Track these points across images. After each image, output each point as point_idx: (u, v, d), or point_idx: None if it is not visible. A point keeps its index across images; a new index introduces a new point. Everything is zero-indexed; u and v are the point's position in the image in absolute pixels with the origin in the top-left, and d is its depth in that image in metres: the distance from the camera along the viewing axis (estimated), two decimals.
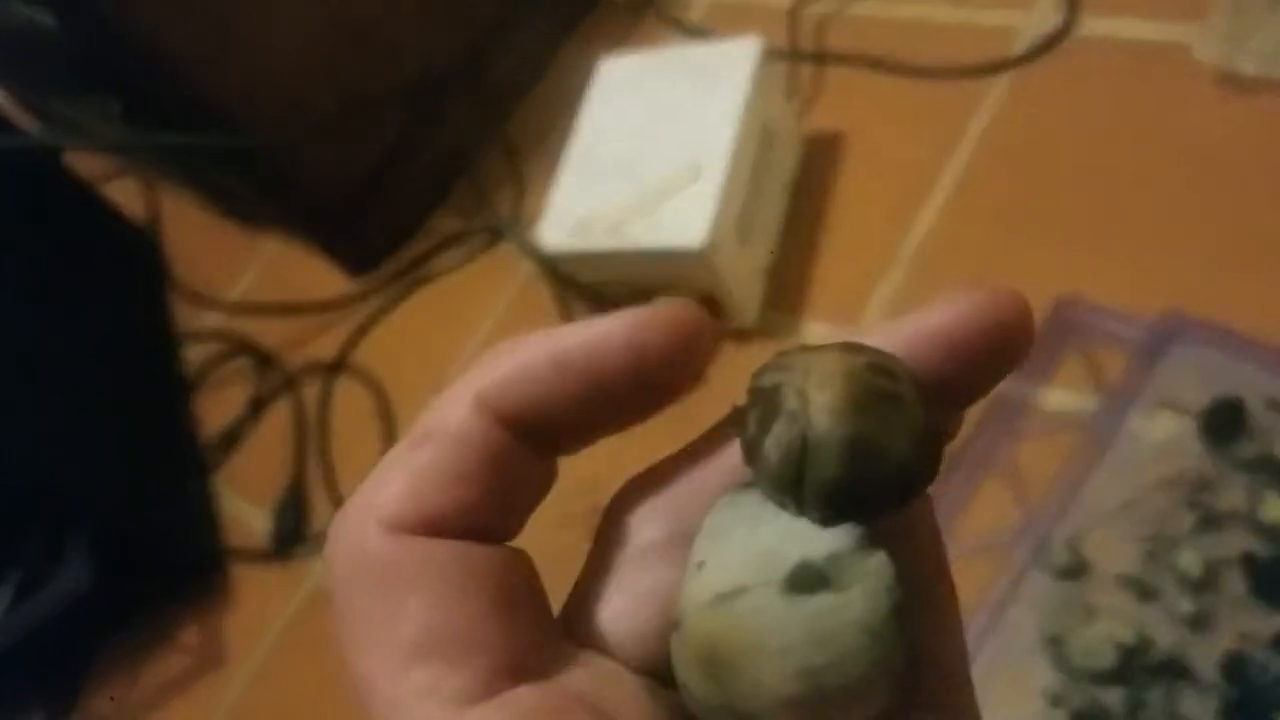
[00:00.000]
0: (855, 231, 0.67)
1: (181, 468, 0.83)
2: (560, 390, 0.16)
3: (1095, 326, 0.56)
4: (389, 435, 0.76)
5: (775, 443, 0.15)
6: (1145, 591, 0.49)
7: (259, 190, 0.84)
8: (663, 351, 0.16)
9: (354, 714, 0.57)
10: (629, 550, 0.17)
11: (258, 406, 0.84)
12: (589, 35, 0.90)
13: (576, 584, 0.18)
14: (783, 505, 0.15)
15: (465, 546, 0.15)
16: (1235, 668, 0.45)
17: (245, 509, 0.79)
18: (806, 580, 0.15)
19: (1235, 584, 0.48)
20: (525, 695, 0.15)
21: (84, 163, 1.02)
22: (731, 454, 0.17)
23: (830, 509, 0.15)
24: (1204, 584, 0.48)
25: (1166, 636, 0.47)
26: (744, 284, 0.64)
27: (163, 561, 0.77)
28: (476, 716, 0.14)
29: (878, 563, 0.15)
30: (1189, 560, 0.48)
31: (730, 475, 0.17)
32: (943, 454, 0.16)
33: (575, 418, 0.16)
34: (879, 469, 0.15)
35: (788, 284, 0.67)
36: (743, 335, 0.66)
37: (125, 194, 1.07)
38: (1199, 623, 0.47)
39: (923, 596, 0.16)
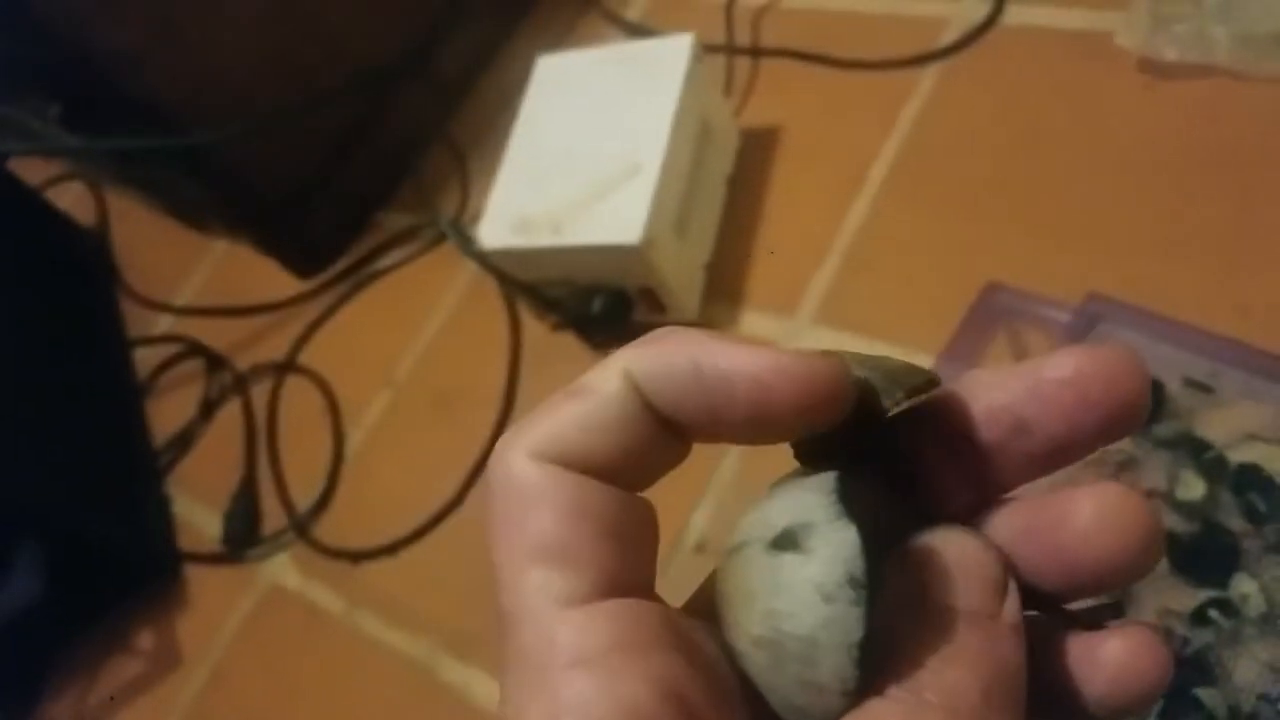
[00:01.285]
0: (792, 223, 0.68)
1: (133, 472, 0.82)
2: (692, 395, 0.18)
3: (1022, 310, 0.57)
4: (338, 433, 0.76)
5: None
6: None
7: (204, 191, 0.84)
8: (786, 401, 0.18)
9: (306, 713, 0.58)
10: None
11: (208, 409, 0.84)
12: (532, 30, 0.90)
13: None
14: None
15: (590, 481, 0.18)
16: None
17: (197, 511, 0.80)
18: (783, 541, 0.17)
19: None
20: (619, 607, 0.17)
21: (27, 167, 1.01)
22: None
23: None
24: None
25: None
26: (683, 278, 0.65)
27: (115, 566, 0.76)
28: (573, 615, 0.17)
29: (845, 537, 0.17)
30: None
31: None
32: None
33: (701, 422, 0.18)
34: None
35: (727, 276, 0.68)
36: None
37: (72, 198, 1.06)
38: (1121, 600, 0.48)
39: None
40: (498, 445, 0.18)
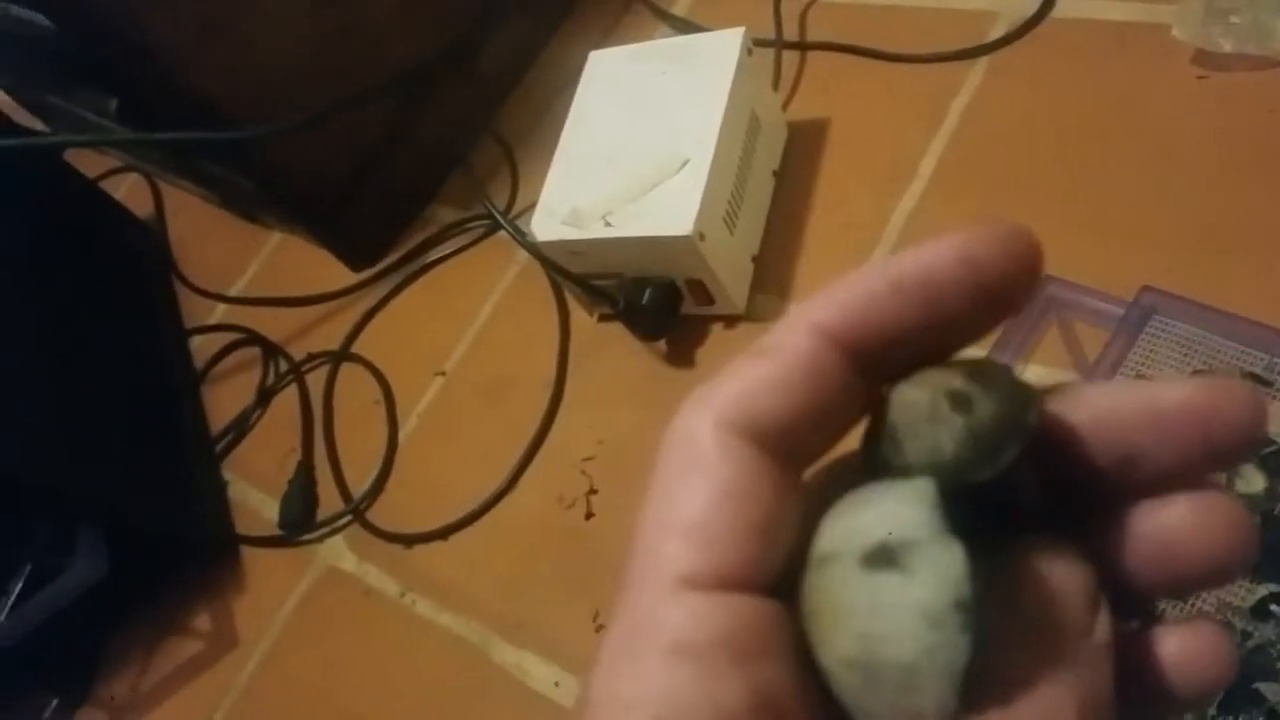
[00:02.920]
0: (841, 215, 0.68)
1: (191, 457, 0.84)
2: (901, 312, 0.17)
3: (1074, 303, 0.57)
4: (392, 420, 0.78)
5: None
6: None
7: (256, 184, 0.86)
8: (997, 263, 0.17)
9: (360, 692, 0.59)
10: None
11: (264, 396, 0.86)
12: (577, 27, 0.91)
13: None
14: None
15: (762, 462, 0.17)
16: None
17: (253, 495, 0.81)
18: (880, 558, 0.16)
19: None
20: (739, 602, 0.16)
21: (86, 159, 1.03)
22: None
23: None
24: None
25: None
26: (732, 269, 0.66)
27: (174, 549, 0.78)
28: (691, 599, 0.16)
29: (951, 555, 0.15)
30: None
31: None
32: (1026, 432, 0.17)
33: (916, 337, 0.17)
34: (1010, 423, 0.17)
35: (775, 269, 0.68)
36: (731, 319, 0.68)
37: (129, 190, 1.08)
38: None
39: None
40: (684, 405, 0.18)
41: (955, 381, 0.17)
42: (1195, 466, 0.18)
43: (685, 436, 0.17)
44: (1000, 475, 0.17)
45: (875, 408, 0.18)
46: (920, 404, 0.17)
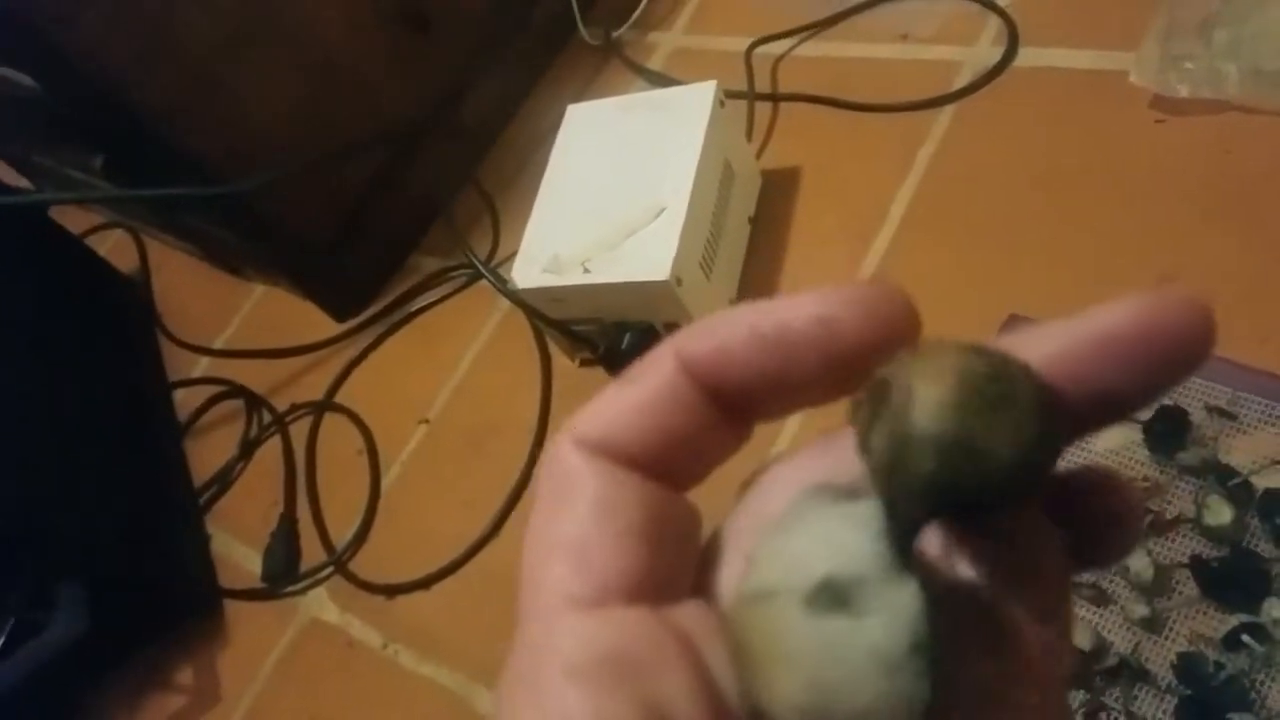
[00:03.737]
0: (815, 259, 0.70)
1: (174, 510, 0.84)
2: (757, 359, 0.17)
3: None
4: (375, 470, 0.78)
5: (879, 436, 0.15)
6: (1099, 596, 0.50)
7: (242, 238, 0.87)
8: (853, 328, 0.16)
9: None
10: (755, 520, 0.18)
11: (247, 448, 0.86)
12: (556, 81, 0.93)
13: (706, 544, 0.19)
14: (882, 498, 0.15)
15: (630, 476, 0.17)
16: (1189, 668, 0.46)
17: (236, 548, 0.81)
18: (826, 596, 0.15)
19: (1186, 586, 0.49)
20: (625, 616, 0.16)
21: (71, 215, 1.04)
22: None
23: (920, 505, 0.15)
24: (1156, 587, 0.49)
25: (1122, 640, 0.49)
26: (709, 313, 0.67)
27: (157, 603, 0.78)
28: (579, 619, 0.16)
29: (904, 595, 0.14)
30: (1140, 565, 0.49)
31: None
32: (1052, 466, 0.15)
33: (768, 388, 0.17)
34: (977, 470, 0.14)
35: None
36: None
37: (113, 245, 1.09)
38: (1153, 625, 0.48)
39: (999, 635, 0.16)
40: (556, 434, 0.18)
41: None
42: (1155, 388, 0.16)
43: (553, 461, 0.17)
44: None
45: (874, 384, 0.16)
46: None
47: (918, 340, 0.16)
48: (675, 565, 0.17)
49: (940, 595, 0.15)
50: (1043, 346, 0.16)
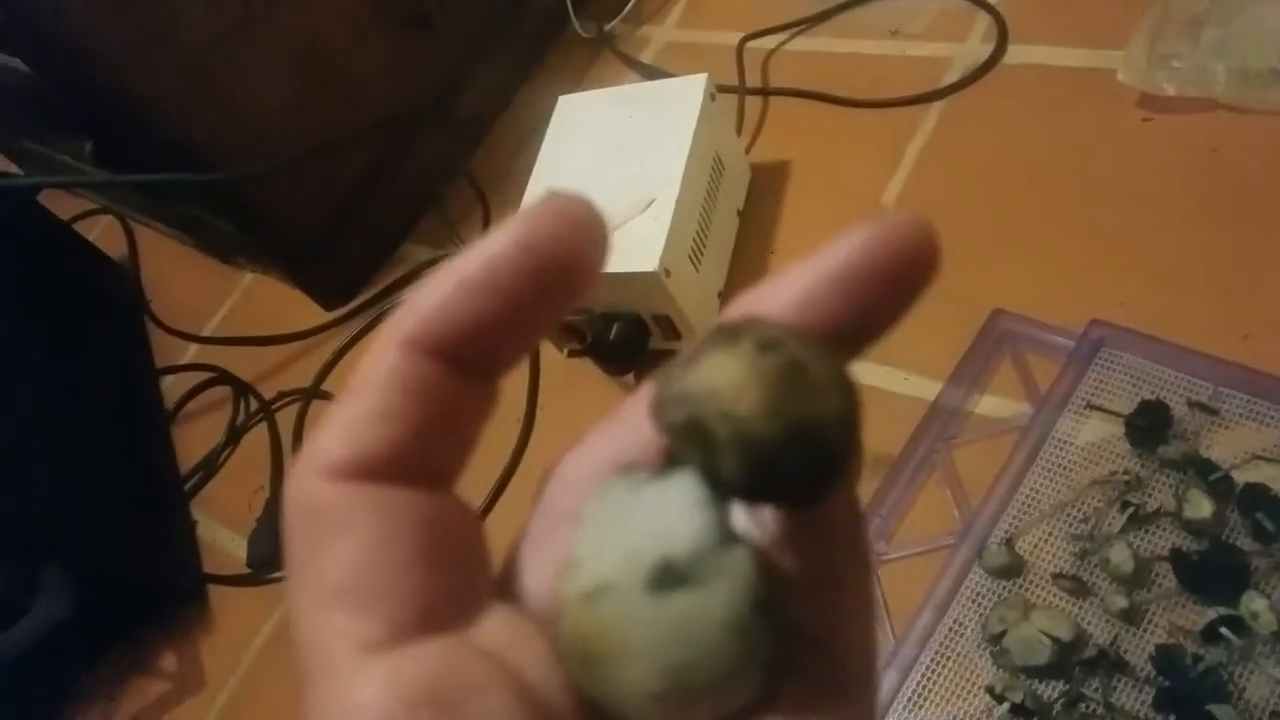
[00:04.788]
0: (803, 253, 0.69)
1: (160, 496, 0.84)
2: (472, 307, 0.16)
3: (1027, 336, 0.59)
4: None
5: (683, 411, 0.15)
6: (1080, 588, 0.50)
7: (233, 226, 0.86)
8: (552, 242, 0.16)
9: None
10: (555, 517, 0.18)
11: (234, 435, 0.86)
12: (548, 73, 0.93)
13: (510, 546, 0.18)
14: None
15: (394, 492, 0.16)
16: (1168, 660, 0.47)
17: (223, 534, 0.81)
18: (667, 578, 0.15)
19: (1166, 579, 0.49)
20: (427, 650, 0.15)
21: (59, 202, 1.04)
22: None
23: (736, 475, 0.15)
24: (1136, 580, 0.49)
25: (1101, 631, 0.49)
26: (698, 305, 0.67)
27: (141, 588, 0.78)
28: (377, 666, 0.14)
29: (737, 558, 0.15)
30: (1121, 557, 0.49)
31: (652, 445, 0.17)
32: (859, 436, 0.16)
33: (494, 331, 0.16)
34: (808, 460, 0.15)
35: None
36: None
37: (102, 231, 1.09)
38: (1132, 617, 0.49)
39: (828, 581, 0.17)
40: (292, 472, 0.16)
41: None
42: (893, 313, 0.17)
43: (302, 502, 0.16)
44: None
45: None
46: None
47: (607, 245, 0.17)
48: (466, 577, 0.16)
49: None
50: (786, 295, 0.17)
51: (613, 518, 0.16)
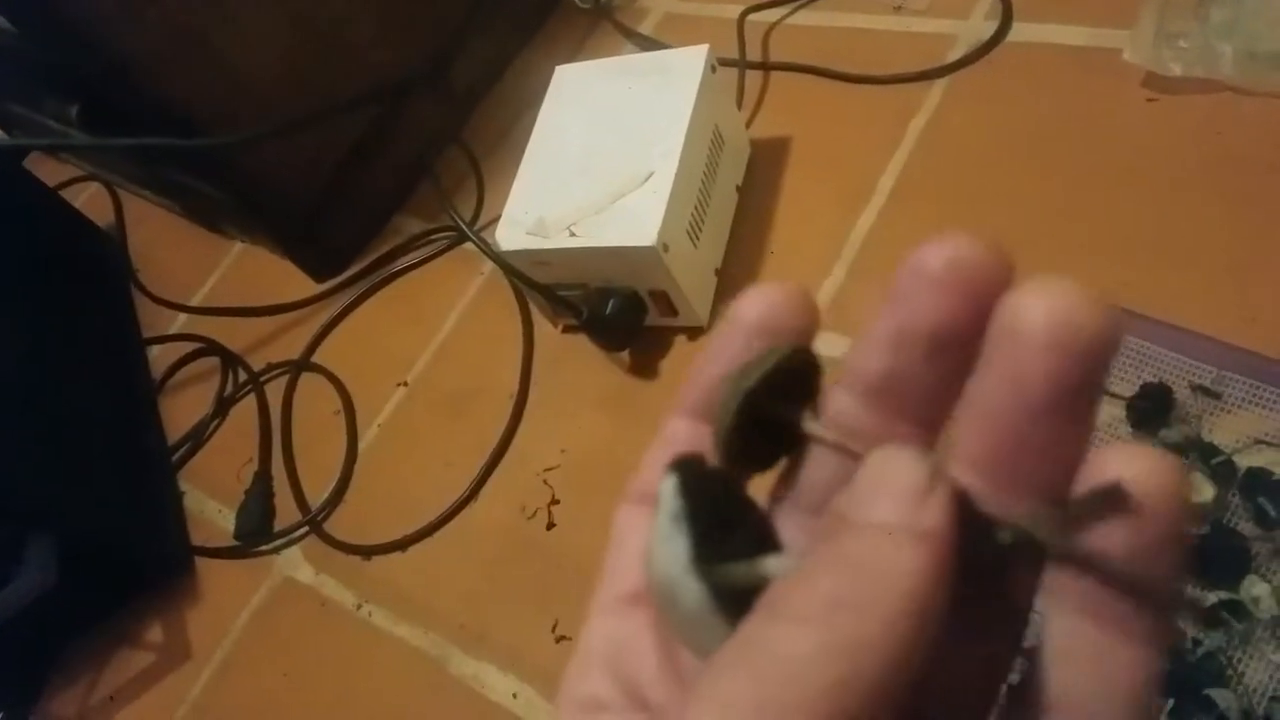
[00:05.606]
0: (802, 230, 0.69)
1: (146, 466, 0.83)
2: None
3: None
4: (352, 431, 0.77)
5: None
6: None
7: (222, 194, 0.85)
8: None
9: (315, 705, 0.58)
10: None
11: (222, 406, 0.85)
12: (545, 43, 0.92)
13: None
14: None
15: (646, 512, 0.20)
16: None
17: (210, 506, 0.80)
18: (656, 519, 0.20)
19: None
20: (628, 614, 0.21)
21: (46, 167, 1.02)
22: None
23: (724, 441, 0.20)
24: None
25: None
26: (695, 281, 0.66)
27: (127, 559, 0.77)
28: (598, 619, 0.21)
29: (666, 486, 0.19)
30: None
31: None
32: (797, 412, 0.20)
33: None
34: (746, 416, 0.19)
35: (737, 281, 0.69)
36: (694, 331, 0.68)
37: (88, 198, 1.07)
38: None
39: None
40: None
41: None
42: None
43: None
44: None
45: None
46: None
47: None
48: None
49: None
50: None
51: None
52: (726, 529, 0.19)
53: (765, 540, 0.20)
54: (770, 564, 0.18)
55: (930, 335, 0.17)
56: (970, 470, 0.17)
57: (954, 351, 0.17)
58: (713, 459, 0.20)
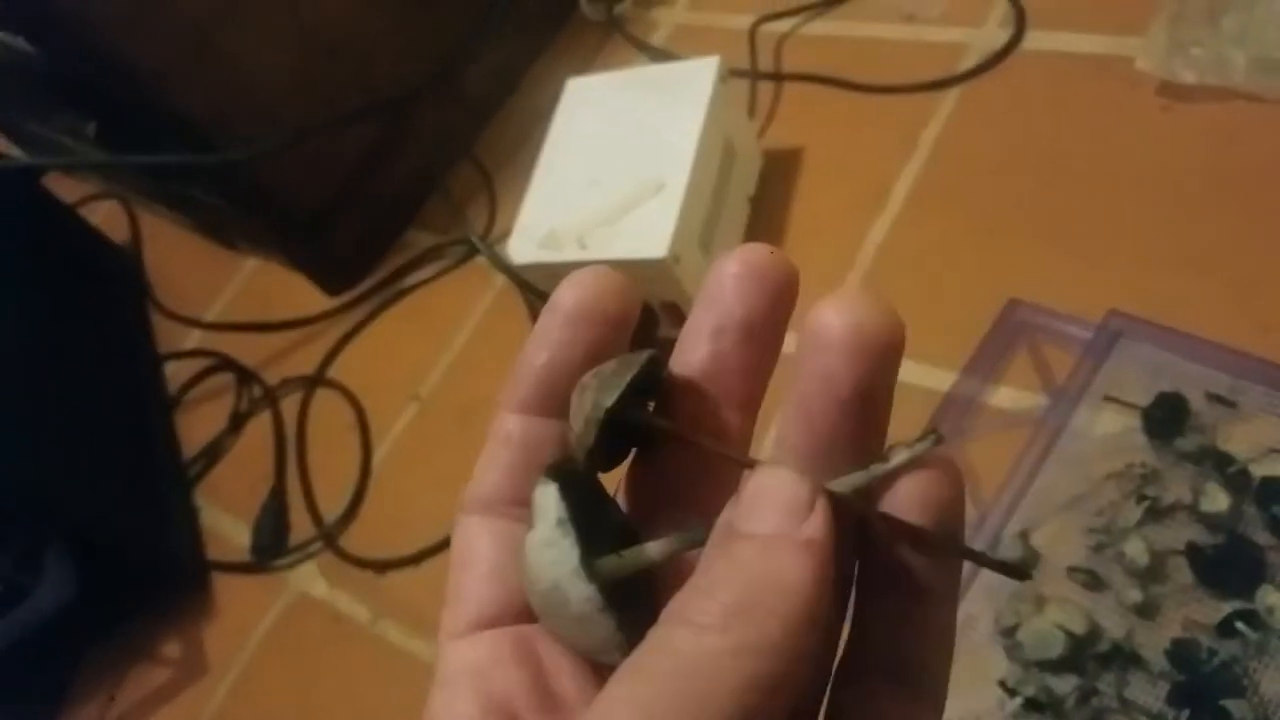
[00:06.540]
0: (815, 241, 0.69)
1: (163, 482, 0.84)
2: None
3: (1043, 327, 0.58)
4: (366, 446, 0.77)
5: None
6: (1094, 581, 0.50)
7: (235, 208, 0.86)
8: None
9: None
10: None
11: (237, 421, 0.85)
12: (557, 55, 0.92)
13: None
14: None
15: (490, 523, 0.21)
16: (1182, 654, 0.46)
17: (226, 521, 0.81)
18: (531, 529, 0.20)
19: (1181, 573, 0.49)
20: (487, 637, 0.20)
21: (63, 184, 1.03)
22: None
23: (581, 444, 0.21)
24: (1151, 573, 0.49)
25: (1116, 625, 0.49)
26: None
27: (144, 574, 0.77)
28: (452, 646, 0.21)
29: (546, 492, 0.19)
30: (1136, 550, 0.49)
31: None
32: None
33: None
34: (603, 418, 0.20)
35: None
36: None
37: (105, 215, 1.08)
38: (1147, 611, 0.48)
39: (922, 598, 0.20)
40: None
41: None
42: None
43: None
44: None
45: None
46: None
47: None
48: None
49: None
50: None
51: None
52: (600, 527, 0.20)
53: (628, 530, 0.21)
54: (651, 549, 0.19)
55: (740, 324, 0.20)
56: (794, 456, 0.19)
57: (758, 339, 0.21)
58: (567, 458, 0.21)
